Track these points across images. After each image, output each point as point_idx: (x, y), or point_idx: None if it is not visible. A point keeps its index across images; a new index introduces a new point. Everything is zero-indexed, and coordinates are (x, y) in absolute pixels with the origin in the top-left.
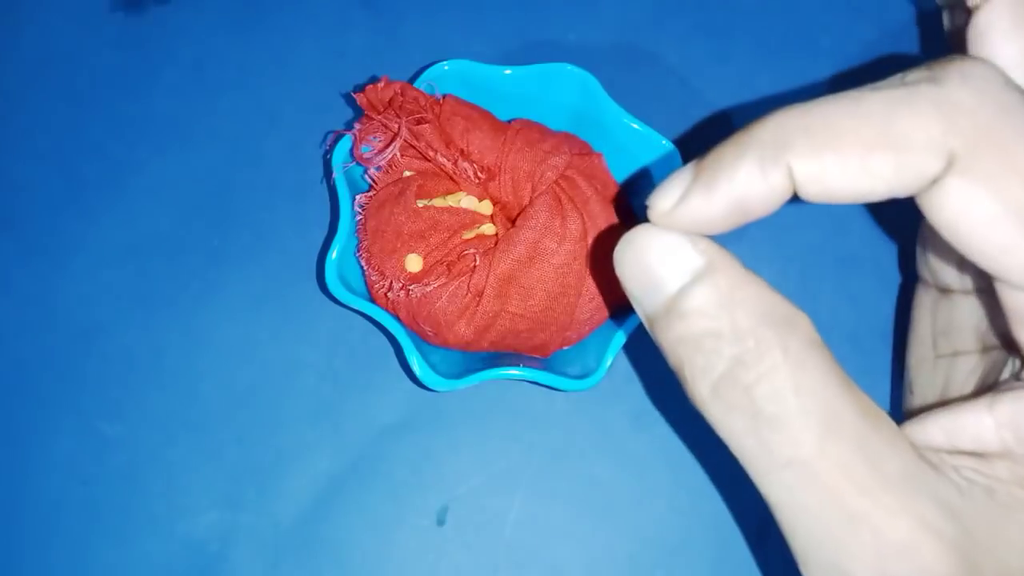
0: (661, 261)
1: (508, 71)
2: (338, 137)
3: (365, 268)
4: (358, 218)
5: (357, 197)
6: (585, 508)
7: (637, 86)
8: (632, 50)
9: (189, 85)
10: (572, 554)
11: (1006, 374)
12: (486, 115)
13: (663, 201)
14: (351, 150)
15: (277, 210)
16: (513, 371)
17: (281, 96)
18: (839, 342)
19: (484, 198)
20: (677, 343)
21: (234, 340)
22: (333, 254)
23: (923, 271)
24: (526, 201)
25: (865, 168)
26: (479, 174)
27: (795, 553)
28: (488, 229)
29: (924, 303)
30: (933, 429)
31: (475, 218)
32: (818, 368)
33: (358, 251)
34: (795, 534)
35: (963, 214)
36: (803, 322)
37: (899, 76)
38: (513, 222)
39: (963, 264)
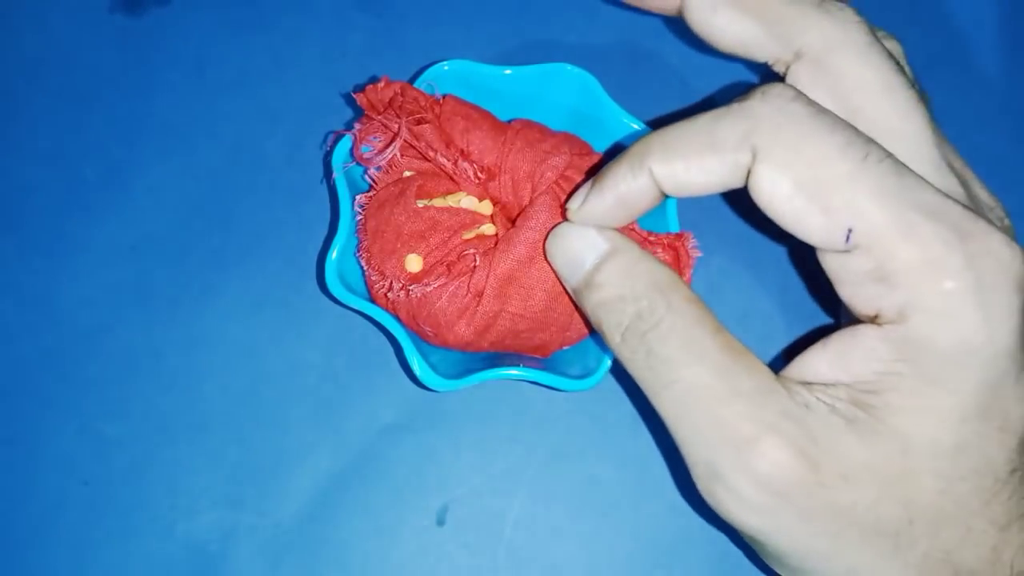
0: (578, 246)
1: (508, 71)
2: (338, 137)
3: (365, 268)
4: (358, 218)
5: (357, 197)
6: (585, 508)
7: (637, 86)
8: (632, 50)
9: (189, 85)
10: (572, 554)
11: None
12: (486, 115)
13: (573, 204)
14: (351, 150)
15: (277, 210)
16: (513, 371)
17: (281, 96)
18: None
19: (484, 198)
20: (596, 307)
21: (235, 340)
22: (333, 254)
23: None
24: (526, 201)
25: (701, 166)
26: (479, 174)
27: (685, 459)
28: (488, 229)
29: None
30: (790, 371)
31: (475, 218)
32: (691, 316)
33: (358, 251)
34: (682, 442)
35: (769, 193)
36: (681, 286)
37: (727, 102)
38: (513, 222)
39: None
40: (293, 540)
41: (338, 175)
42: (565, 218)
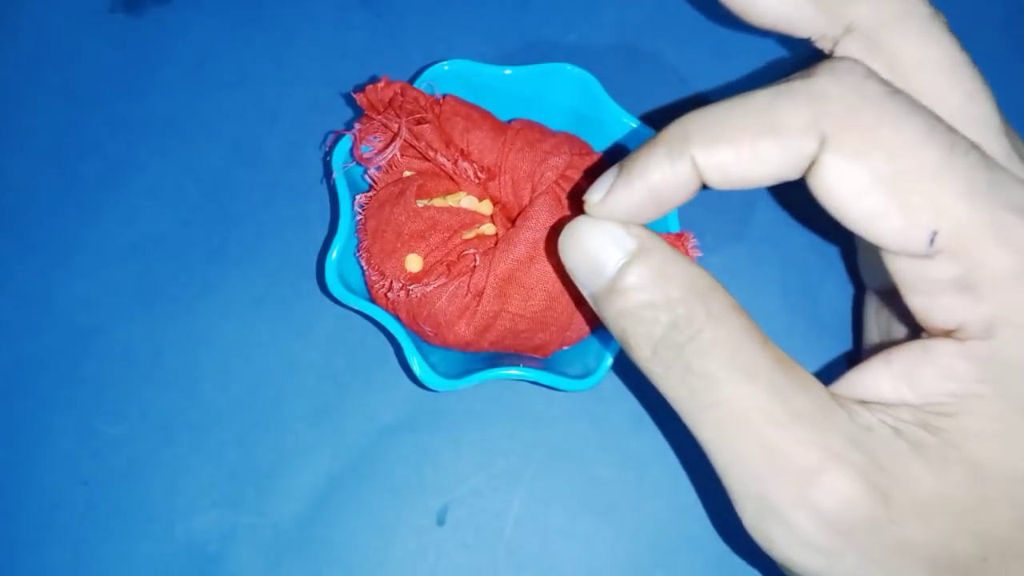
0: (600, 246)
1: (508, 71)
2: (338, 137)
3: (365, 268)
4: (358, 218)
5: (357, 197)
6: (585, 508)
7: (637, 86)
8: (632, 50)
9: (189, 85)
10: (572, 554)
11: None
12: (486, 115)
13: (594, 195)
14: (351, 150)
15: (277, 210)
16: (513, 371)
17: (281, 96)
18: (838, 341)
19: (484, 198)
20: (619, 316)
21: (234, 340)
22: (333, 254)
23: (864, 277)
24: (526, 201)
25: (754, 154)
26: (479, 174)
27: (728, 491)
28: (488, 229)
29: (869, 311)
30: (841, 388)
31: (475, 218)
32: (736, 326)
33: (358, 251)
34: (725, 472)
35: (837, 188)
36: (721, 291)
37: (784, 78)
38: (513, 222)
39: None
40: (293, 540)
41: (338, 175)
42: (574, 213)
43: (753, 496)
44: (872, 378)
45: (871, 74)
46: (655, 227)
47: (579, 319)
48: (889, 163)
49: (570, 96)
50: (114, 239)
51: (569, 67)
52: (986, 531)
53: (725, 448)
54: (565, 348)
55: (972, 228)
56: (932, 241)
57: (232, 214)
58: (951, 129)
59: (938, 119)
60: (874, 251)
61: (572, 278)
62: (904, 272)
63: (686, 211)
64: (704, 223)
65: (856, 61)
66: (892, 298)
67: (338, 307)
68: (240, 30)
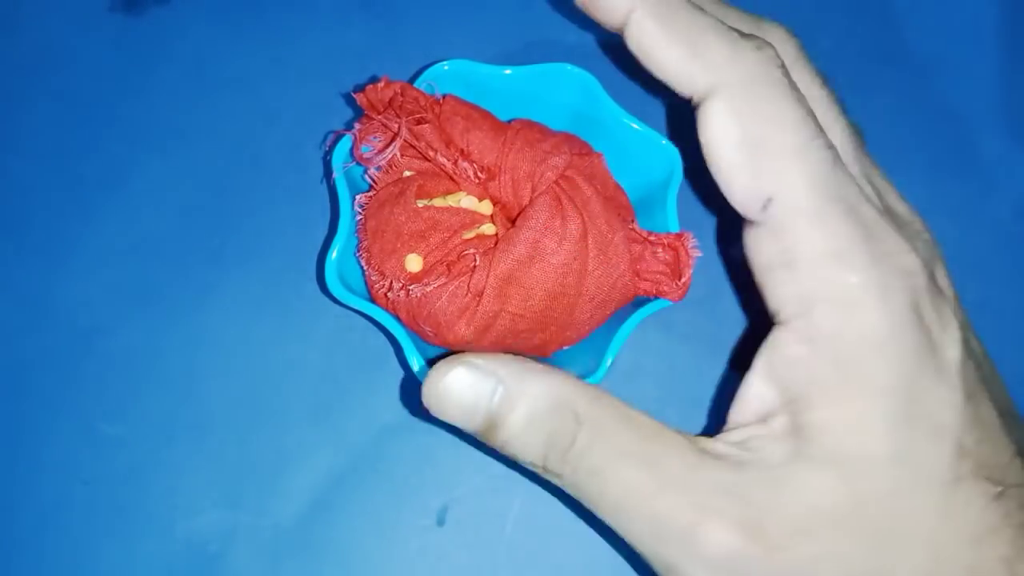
0: (464, 393)
1: (508, 71)
2: (338, 137)
3: (365, 268)
4: (358, 218)
5: (357, 197)
6: (585, 508)
7: (637, 86)
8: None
9: (189, 85)
10: (572, 554)
11: None
12: (486, 115)
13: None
14: (351, 150)
15: (277, 210)
16: None
17: (281, 96)
18: None
19: (484, 198)
20: (505, 446)
21: (234, 340)
22: (333, 254)
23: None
24: (526, 201)
25: (670, 48)
26: (479, 174)
27: (641, 556)
28: (488, 229)
29: None
30: (735, 408)
31: (475, 218)
32: (604, 418)
33: (358, 251)
34: (632, 543)
35: (714, 132)
36: (581, 388)
37: (748, 19)
38: (513, 222)
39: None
40: (293, 540)
41: (338, 175)
42: (566, 223)
43: (656, 558)
44: (752, 389)
45: (783, 67)
46: (657, 228)
47: (579, 319)
48: (759, 129)
49: (570, 96)
50: (114, 239)
51: (569, 67)
52: (869, 528)
53: (624, 525)
54: (565, 348)
55: (800, 207)
56: (765, 206)
57: (232, 214)
58: (821, 130)
59: (814, 119)
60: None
61: (450, 422)
62: (749, 244)
63: (686, 211)
64: (704, 223)
65: (778, 55)
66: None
67: (338, 307)
68: (240, 30)
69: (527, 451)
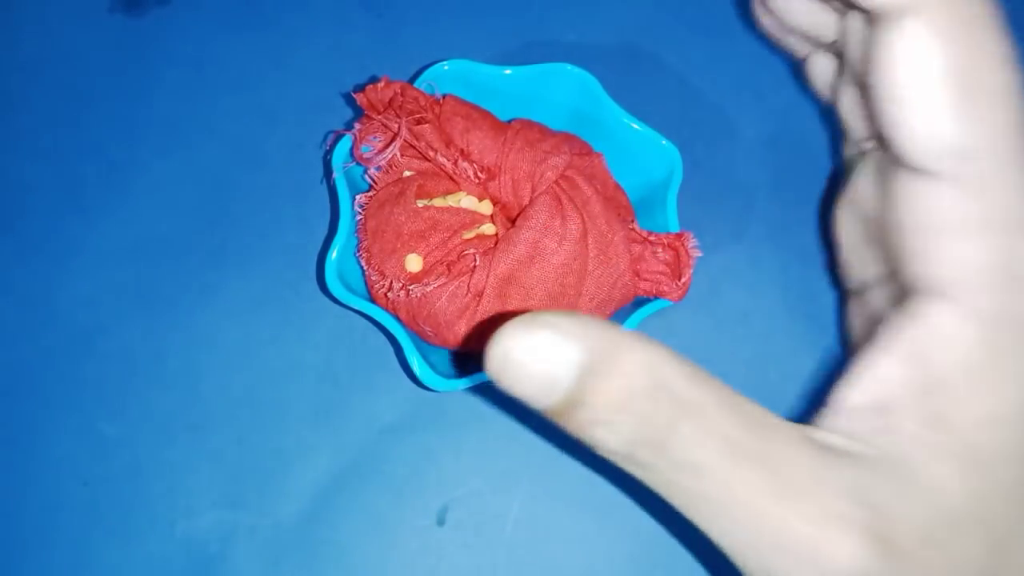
0: (546, 363)
1: (508, 71)
2: (338, 137)
3: (365, 268)
4: (358, 218)
5: (357, 197)
6: (585, 508)
7: (637, 86)
8: (632, 50)
9: (189, 85)
10: (572, 554)
11: None
12: (486, 115)
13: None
14: (351, 150)
15: (277, 210)
16: None
17: (281, 96)
18: (838, 341)
19: (484, 198)
20: (585, 426)
21: (234, 340)
22: (333, 254)
23: (844, 277)
24: (526, 201)
25: None
26: (479, 174)
27: (741, 570)
28: (488, 229)
29: (852, 317)
30: (851, 393)
31: (475, 218)
32: (709, 405)
33: (358, 251)
34: (733, 553)
35: (908, 60)
36: (682, 366)
37: None
38: (513, 222)
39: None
40: (293, 540)
41: (338, 175)
42: (566, 223)
43: (765, 573)
44: (873, 373)
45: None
46: (657, 228)
47: None
48: (966, 63)
49: (570, 96)
50: (114, 239)
51: (569, 67)
52: (994, 528)
53: (727, 533)
54: None
55: (1000, 166)
56: (961, 156)
57: (232, 214)
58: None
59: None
60: (863, 234)
61: (518, 397)
62: (909, 200)
63: (686, 211)
64: (704, 223)
65: None
66: (872, 294)
67: (338, 307)
68: (240, 30)
69: (612, 439)
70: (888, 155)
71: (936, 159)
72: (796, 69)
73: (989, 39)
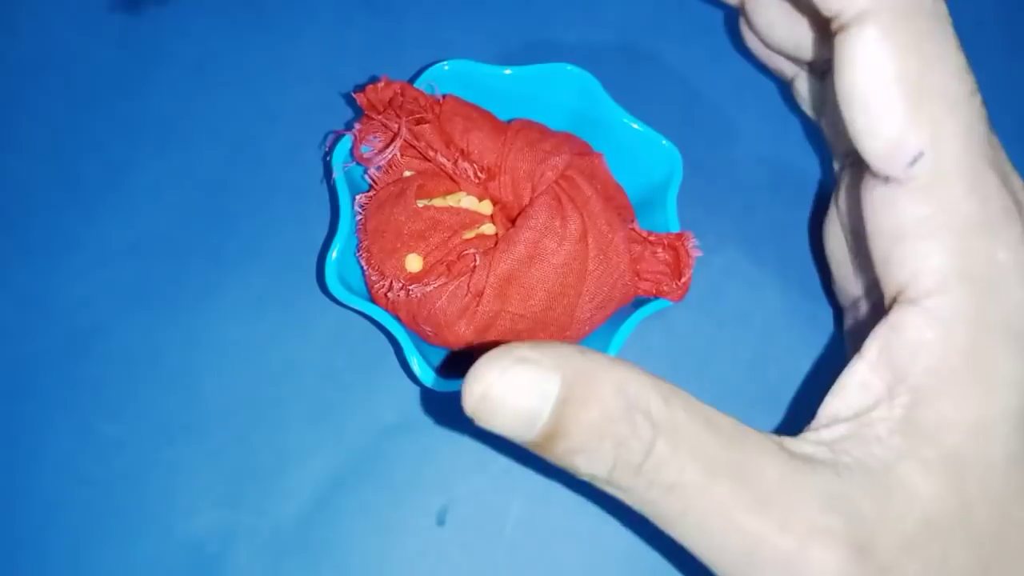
0: (522, 399)
1: (508, 71)
2: (338, 137)
3: (365, 268)
4: (358, 218)
5: (357, 197)
6: (585, 508)
7: (637, 86)
8: (632, 50)
9: (189, 85)
10: (572, 554)
11: None
12: (486, 115)
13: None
14: (351, 150)
15: (277, 210)
16: None
17: (281, 96)
18: (839, 342)
19: (484, 198)
20: (565, 456)
21: (234, 340)
22: (333, 254)
23: (839, 296)
24: (526, 201)
25: None
26: (479, 174)
27: None
28: (488, 229)
29: (850, 335)
30: (832, 402)
31: (475, 218)
32: (682, 422)
33: (358, 251)
34: (714, 567)
35: (863, 65)
36: (655, 384)
37: None
38: (513, 222)
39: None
40: (293, 540)
41: (338, 175)
42: (566, 223)
43: None
44: (854, 382)
45: (942, 3)
46: (657, 228)
47: (579, 319)
48: (920, 69)
49: (570, 96)
50: (114, 239)
51: (569, 67)
52: (976, 538)
53: (707, 548)
54: None
55: (958, 168)
56: (914, 160)
57: (232, 214)
58: (978, 88)
59: (972, 72)
60: (849, 248)
61: (497, 432)
62: (874, 206)
63: (686, 211)
64: (704, 223)
65: None
66: (862, 307)
67: (338, 307)
68: (240, 30)
69: (591, 465)
70: (860, 165)
71: (891, 163)
72: (785, 91)
73: (943, 49)
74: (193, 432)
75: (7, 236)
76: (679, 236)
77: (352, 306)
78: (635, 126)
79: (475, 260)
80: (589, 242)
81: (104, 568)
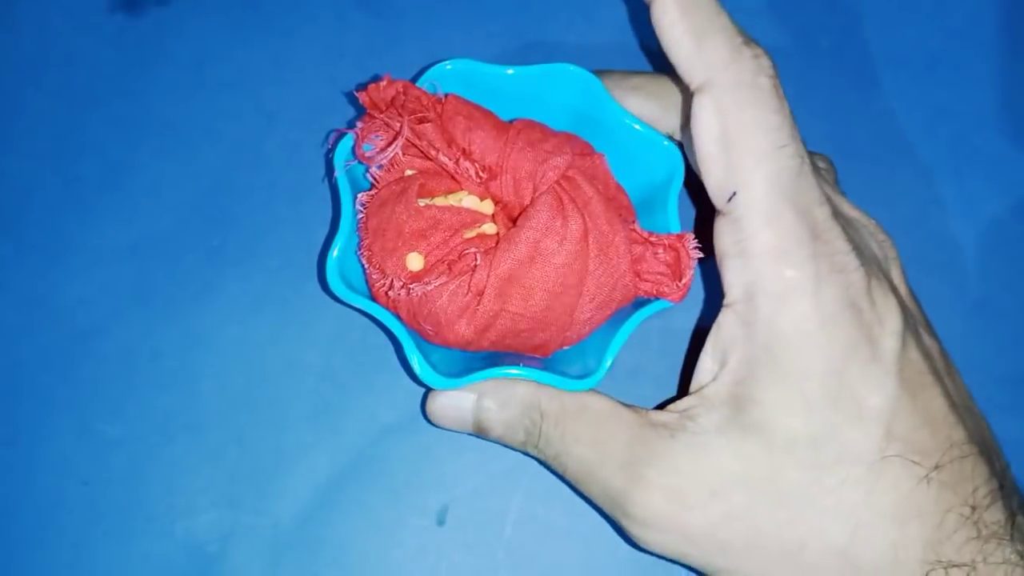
0: (455, 408)
1: (510, 71)
2: (340, 135)
3: (366, 266)
4: (359, 216)
5: (359, 195)
6: (585, 508)
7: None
8: (632, 50)
9: (188, 85)
10: (572, 554)
11: None
12: (488, 115)
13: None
14: (353, 148)
15: (277, 210)
16: (513, 371)
17: (281, 96)
18: None
19: (485, 197)
20: (499, 439)
21: (234, 340)
22: (334, 252)
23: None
24: (527, 201)
25: (679, 33)
26: (481, 173)
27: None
28: (489, 228)
29: None
30: (693, 381)
31: (476, 217)
32: (561, 412)
33: (359, 249)
34: (594, 504)
35: (700, 124)
36: (543, 392)
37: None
38: (514, 222)
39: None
40: (292, 540)
41: (340, 173)
42: (567, 223)
43: (612, 515)
44: (702, 367)
45: (775, 79)
46: (657, 228)
47: (579, 319)
48: (737, 130)
49: (572, 96)
50: (113, 239)
51: (571, 67)
52: (784, 496)
53: (584, 492)
54: (565, 348)
55: (757, 205)
56: (730, 199)
57: (232, 214)
58: (796, 138)
59: (791, 128)
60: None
61: (452, 428)
62: (715, 231)
63: (687, 212)
64: (705, 224)
65: (773, 66)
66: None
67: (338, 307)
68: (240, 30)
69: (514, 442)
70: None
71: (717, 199)
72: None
73: (758, 114)
74: (192, 432)
75: (6, 235)
76: (680, 237)
77: (353, 304)
78: (636, 127)
79: (476, 259)
80: (590, 242)
81: (104, 567)
